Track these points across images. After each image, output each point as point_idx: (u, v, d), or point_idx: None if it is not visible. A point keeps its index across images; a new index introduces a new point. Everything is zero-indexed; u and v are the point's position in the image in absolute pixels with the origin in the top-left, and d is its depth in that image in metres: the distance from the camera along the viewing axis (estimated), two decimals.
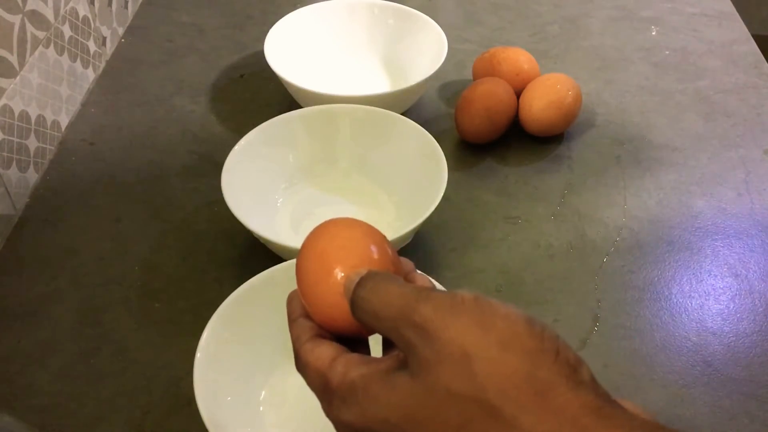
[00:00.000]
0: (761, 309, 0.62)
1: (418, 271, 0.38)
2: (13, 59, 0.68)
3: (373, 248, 0.35)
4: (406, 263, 0.37)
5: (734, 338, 0.60)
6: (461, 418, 0.27)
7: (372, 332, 0.34)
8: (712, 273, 0.65)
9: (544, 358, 0.27)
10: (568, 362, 0.27)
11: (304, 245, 0.36)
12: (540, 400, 0.26)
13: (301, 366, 0.34)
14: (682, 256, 0.67)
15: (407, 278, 0.36)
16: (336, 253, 0.34)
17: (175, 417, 0.54)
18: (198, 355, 0.50)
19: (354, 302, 0.32)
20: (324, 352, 0.33)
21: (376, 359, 0.32)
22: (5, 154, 0.67)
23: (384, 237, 0.36)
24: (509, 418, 0.26)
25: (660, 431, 0.26)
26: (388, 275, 0.32)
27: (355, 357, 0.32)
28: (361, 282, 0.32)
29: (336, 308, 0.33)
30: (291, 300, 0.37)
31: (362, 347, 0.36)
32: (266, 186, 0.69)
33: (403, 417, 0.28)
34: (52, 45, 0.76)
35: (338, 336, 0.35)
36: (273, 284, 0.54)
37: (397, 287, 0.31)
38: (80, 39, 0.82)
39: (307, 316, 0.35)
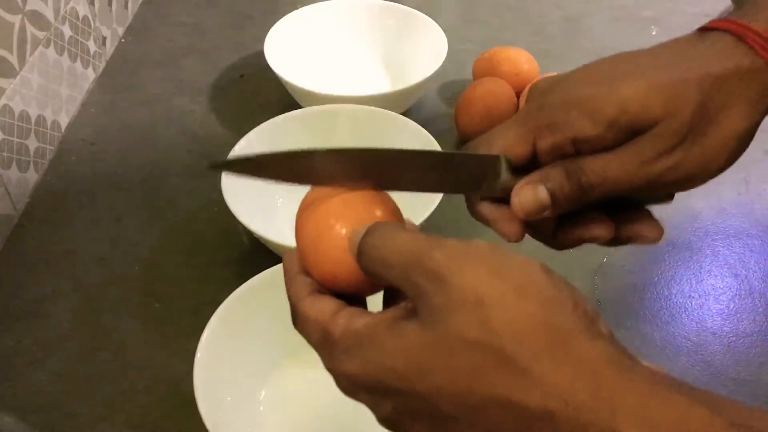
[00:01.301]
0: (761, 309, 0.62)
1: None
2: (13, 59, 0.68)
3: (377, 204, 0.34)
4: (410, 223, 0.37)
5: (734, 338, 0.60)
6: (472, 365, 0.26)
7: (374, 288, 0.33)
8: (712, 273, 0.65)
9: (561, 307, 0.26)
10: (586, 313, 0.27)
11: (304, 202, 0.35)
12: (556, 349, 0.25)
13: (300, 321, 0.33)
14: (682, 256, 0.66)
15: None
16: (338, 209, 0.33)
17: (175, 417, 0.54)
18: (198, 355, 0.50)
19: (361, 250, 0.30)
20: (325, 305, 0.32)
21: (380, 312, 0.31)
22: (5, 154, 0.67)
23: (388, 195, 0.35)
24: (523, 366, 0.25)
25: (680, 386, 0.25)
26: (396, 225, 0.32)
27: (357, 310, 0.31)
28: (370, 231, 0.31)
29: (338, 264, 0.32)
30: (288, 257, 0.36)
31: (361, 306, 0.35)
32: (266, 186, 0.68)
33: (411, 364, 0.27)
34: (52, 45, 0.76)
35: (338, 294, 0.34)
36: (273, 284, 0.54)
37: (407, 234, 0.30)
38: (80, 39, 0.82)
39: (306, 273, 0.34)
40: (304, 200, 0.36)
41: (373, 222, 0.32)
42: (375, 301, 0.34)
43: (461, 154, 0.37)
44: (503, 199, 0.37)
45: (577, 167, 0.35)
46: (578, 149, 0.35)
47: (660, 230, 0.38)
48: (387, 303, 0.34)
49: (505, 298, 0.26)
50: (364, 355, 0.29)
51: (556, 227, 0.38)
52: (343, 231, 0.32)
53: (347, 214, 0.33)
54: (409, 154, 0.35)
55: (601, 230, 0.37)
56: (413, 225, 0.37)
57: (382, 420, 0.30)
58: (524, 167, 0.36)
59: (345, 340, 0.30)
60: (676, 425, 0.24)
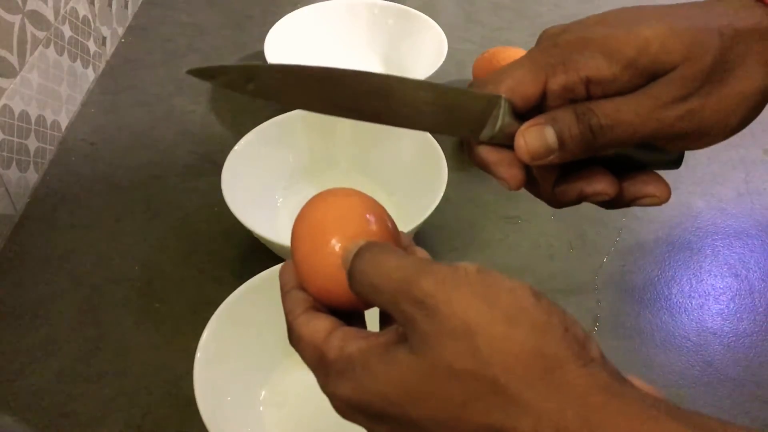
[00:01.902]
0: (761, 309, 0.62)
1: (417, 246, 0.37)
2: (13, 59, 0.68)
3: (372, 218, 0.33)
4: (405, 236, 0.36)
5: (734, 338, 0.60)
6: (465, 395, 0.26)
7: (369, 306, 0.33)
8: (712, 273, 0.65)
9: (551, 333, 0.26)
10: (577, 338, 0.26)
11: (300, 215, 0.35)
12: (547, 377, 0.25)
13: (295, 339, 0.32)
14: (682, 256, 0.67)
15: (406, 251, 0.35)
16: (333, 223, 0.33)
17: (175, 417, 0.54)
18: (198, 355, 0.50)
19: (351, 274, 0.30)
20: (319, 324, 0.32)
21: (374, 333, 0.31)
22: (5, 154, 0.67)
23: (383, 208, 0.35)
24: (515, 395, 0.25)
25: (672, 411, 0.25)
26: (386, 246, 0.31)
27: (351, 331, 0.31)
28: (359, 253, 0.30)
29: (332, 280, 0.32)
30: (284, 271, 0.35)
31: (358, 322, 0.35)
32: (266, 186, 0.69)
33: (403, 393, 0.27)
34: (52, 45, 0.76)
35: (334, 309, 0.33)
36: (273, 284, 0.53)
37: (396, 259, 0.29)
38: (80, 39, 0.82)
39: (302, 287, 0.34)
40: (300, 212, 0.35)
41: (365, 242, 0.31)
42: (372, 314, 0.34)
43: (461, 90, 0.35)
44: (504, 146, 0.36)
45: (588, 109, 0.34)
46: (590, 93, 0.34)
47: (667, 189, 0.37)
48: (383, 318, 0.34)
49: (494, 326, 0.26)
50: (357, 380, 0.29)
51: (556, 181, 0.37)
52: (337, 247, 0.32)
53: (342, 229, 0.33)
54: (405, 83, 0.34)
55: (605, 185, 0.36)
56: (408, 238, 0.37)
57: None
58: (529, 114, 0.35)
59: (339, 363, 0.30)
60: None
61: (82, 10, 0.83)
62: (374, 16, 0.87)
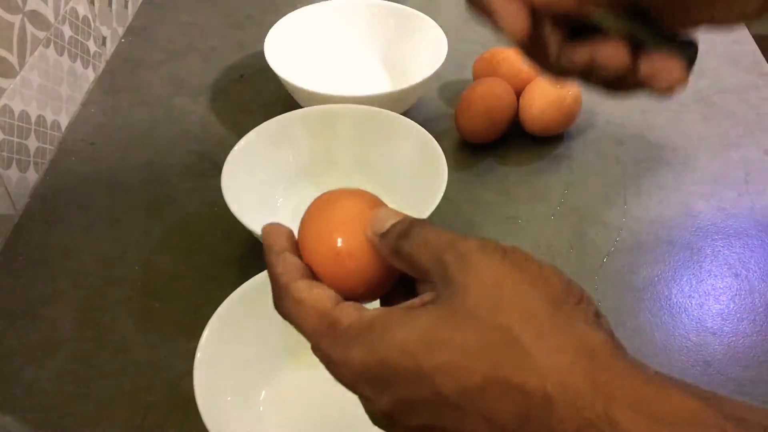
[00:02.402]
0: (761, 309, 0.62)
1: None
2: (13, 59, 0.68)
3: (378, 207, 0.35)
4: None
5: (734, 338, 0.60)
6: (479, 341, 0.27)
7: (376, 291, 0.34)
8: (712, 273, 0.65)
9: (568, 299, 0.28)
10: (590, 308, 0.28)
11: (309, 211, 0.36)
12: (558, 332, 0.26)
13: (291, 301, 0.32)
14: (682, 256, 0.67)
15: None
16: (343, 218, 0.34)
17: (175, 417, 0.54)
18: (198, 355, 0.50)
19: (407, 232, 0.32)
20: (324, 293, 0.32)
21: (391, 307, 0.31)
22: (5, 154, 0.67)
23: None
24: (526, 347, 0.26)
25: (673, 379, 0.26)
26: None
27: (360, 305, 0.32)
28: (416, 220, 0.32)
29: (343, 268, 0.33)
30: (273, 232, 0.35)
31: None
32: (266, 186, 0.69)
33: (420, 340, 0.28)
34: (52, 45, 0.76)
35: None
36: None
37: (444, 229, 0.31)
38: (80, 39, 0.82)
39: (294, 253, 0.34)
40: (309, 208, 0.36)
41: (407, 217, 0.33)
42: None
43: None
44: None
45: None
46: None
47: (684, 72, 0.33)
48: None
49: (519, 285, 0.28)
50: (374, 341, 0.29)
51: (563, 44, 0.34)
52: (340, 240, 0.33)
53: (352, 224, 0.34)
54: None
55: (619, 51, 0.33)
56: None
57: (380, 416, 0.30)
58: None
59: (354, 328, 0.30)
60: (671, 414, 0.24)
61: (82, 10, 0.83)
62: (374, 16, 0.87)
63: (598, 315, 0.28)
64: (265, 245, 0.35)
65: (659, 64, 0.33)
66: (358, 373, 0.29)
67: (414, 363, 0.28)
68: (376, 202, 0.36)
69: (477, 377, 0.26)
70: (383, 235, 0.33)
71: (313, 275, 0.34)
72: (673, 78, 0.33)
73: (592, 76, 0.34)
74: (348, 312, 0.31)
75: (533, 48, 0.35)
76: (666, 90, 0.33)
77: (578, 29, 0.33)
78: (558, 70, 0.35)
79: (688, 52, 0.33)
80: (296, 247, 0.35)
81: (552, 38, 0.34)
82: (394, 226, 0.32)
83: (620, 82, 0.34)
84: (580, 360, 0.26)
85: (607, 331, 0.27)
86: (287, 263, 0.33)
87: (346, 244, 0.33)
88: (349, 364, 0.30)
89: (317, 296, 0.32)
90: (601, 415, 0.25)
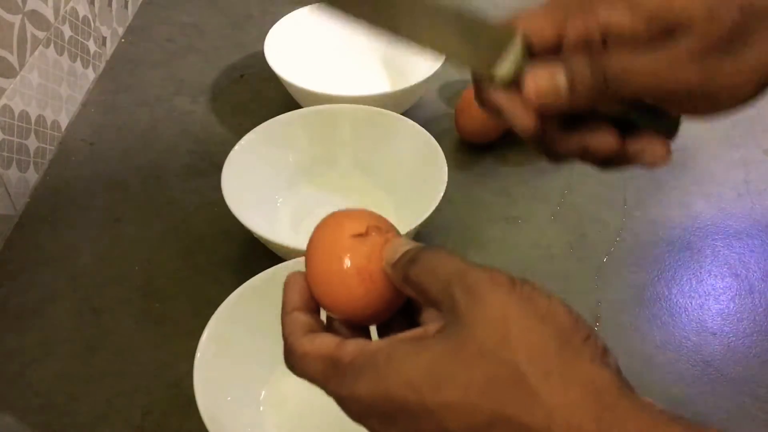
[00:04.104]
0: (761, 309, 0.62)
1: None
2: (13, 59, 0.68)
3: (389, 230, 0.35)
4: None
5: (734, 338, 0.60)
6: (486, 378, 0.27)
7: (381, 315, 0.34)
8: (712, 273, 0.65)
9: (576, 336, 0.28)
10: (597, 346, 0.28)
11: (316, 233, 0.36)
12: (565, 371, 0.26)
13: (297, 357, 0.33)
14: (682, 256, 0.66)
15: None
16: (351, 238, 0.34)
17: (175, 417, 0.54)
18: (198, 355, 0.50)
19: (416, 259, 0.32)
20: (326, 339, 0.32)
21: (394, 335, 0.31)
22: (5, 154, 0.67)
23: (394, 227, 0.36)
24: (533, 385, 0.26)
25: (678, 418, 0.26)
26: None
27: (362, 338, 0.32)
28: (425, 248, 0.32)
29: (350, 293, 0.34)
30: (289, 288, 0.36)
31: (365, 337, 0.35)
32: (266, 186, 0.69)
33: (426, 376, 0.28)
34: (52, 45, 0.76)
35: (346, 323, 0.35)
36: (273, 284, 0.53)
37: (458, 257, 0.31)
38: (80, 39, 0.82)
39: (303, 309, 0.35)
40: (315, 230, 0.36)
41: (421, 245, 0.33)
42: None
43: (480, 17, 0.35)
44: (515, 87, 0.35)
45: (602, 58, 0.33)
46: (607, 43, 0.34)
47: (667, 149, 0.36)
48: (381, 334, 0.35)
49: (527, 321, 0.28)
50: (380, 373, 0.29)
51: (559, 131, 0.37)
52: (350, 263, 0.34)
53: (360, 244, 0.34)
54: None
55: (608, 138, 0.36)
56: None
57: None
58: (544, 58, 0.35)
59: (358, 361, 0.30)
60: None
61: (82, 10, 0.83)
62: None
63: (605, 352, 0.28)
64: (282, 301, 0.36)
65: (645, 144, 0.36)
66: (366, 406, 0.30)
67: (419, 399, 0.28)
68: (381, 222, 0.36)
69: (483, 415, 0.26)
70: (394, 264, 0.33)
71: (317, 324, 0.34)
72: (657, 156, 0.36)
73: (587, 158, 0.37)
74: (350, 349, 0.31)
75: (538, 138, 0.37)
76: (652, 165, 0.37)
77: (573, 117, 0.36)
78: (553, 154, 0.38)
79: (673, 125, 0.37)
80: (307, 296, 0.35)
81: (552, 130, 0.36)
82: (405, 253, 0.32)
83: (611, 161, 0.37)
84: (585, 399, 0.26)
85: (613, 369, 0.27)
86: (295, 323, 0.34)
87: (351, 268, 0.34)
88: (356, 398, 0.30)
89: (319, 344, 0.32)
90: None
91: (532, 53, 0.35)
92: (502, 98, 0.36)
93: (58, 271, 0.65)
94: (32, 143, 0.72)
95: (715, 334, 0.60)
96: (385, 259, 0.33)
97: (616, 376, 0.27)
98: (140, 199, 0.72)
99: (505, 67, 0.35)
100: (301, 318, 0.34)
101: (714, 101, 0.34)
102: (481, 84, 0.37)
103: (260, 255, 0.63)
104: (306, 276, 0.36)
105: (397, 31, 0.35)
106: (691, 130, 0.80)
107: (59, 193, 0.73)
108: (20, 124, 0.70)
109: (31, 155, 0.72)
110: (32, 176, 0.73)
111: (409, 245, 0.33)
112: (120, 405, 0.55)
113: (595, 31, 0.34)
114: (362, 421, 0.30)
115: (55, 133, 0.77)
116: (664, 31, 0.33)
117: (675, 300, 0.63)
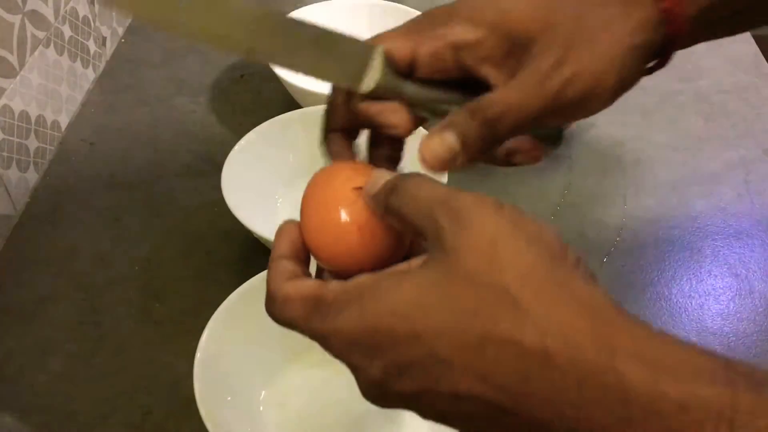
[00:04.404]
0: (761, 309, 0.62)
1: None
2: (13, 59, 0.68)
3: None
4: None
5: (734, 338, 0.60)
6: (475, 302, 0.26)
7: (375, 263, 0.33)
8: (712, 273, 0.65)
9: (566, 258, 0.27)
10: (587, 270, 0.28)
11: (311, 184, 0.36)
12: (558, 291, 0.26)
13: (279, 303, 0.32)
14: (682, 256, 0.66)
15: None
16: (345, 189, 0.34)
17: (175, 417, 0.54)
18: (198, 355, 0.50)
19: (395, 187, 0.31)
20: (308, 282, 0.32)
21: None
22: (5, 154, 0.67)
23: None
24: (524, 305, 0.26)
25: (684, 341, 0.25)
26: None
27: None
28: (405, 175, 0.32)
29: (343, 243, 0.33)
30: (280, 236, 0.35)
31: None
32: (266, 186, 0.69)
33: (415, 303, 0.27)
34: (52, 45, 0.76)
35: (340, 274, 0.34)
36: None
37: (439, 183, 0.31)
38: (80, 39, 0.82)
39: (291, 257, 0.34)
40: (310, 182, 0.37)
41: (400, 173, 0.33)
42: None
43: (341, 34, 0.36)
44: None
45: (477, 103, 0.35)
46: (460, 60, 0.36)
47: (541, 151, 0.38)
48: None
49: (517, 243, 0.27)
50: (364, 306, 0.29)
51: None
52: (345, 213, 0.34)
53: (353, 196, 0.34)
54: (285, 20, 0.35)
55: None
56: None
57: (371, 385, 0.29)
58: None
59: (342, 297, 0.30)
60: (677, 365, 0.24)
61: (82, 10, 0.83)
62: (374, 16, 0.87)
63: (594, 277, 0.28)
64: (272, 248, 0.35)
65: (518, 144, 0.38)
66: (349, 341, 0.29)
67: (408, 326, 0.27)
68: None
69: (473, 336, 0.26)
70: (375, 195, 0.32)
71: (302, 271, 0.34)
72: (530, 157, 0.38)
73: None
74: (333, 287, 0.31)
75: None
76: (524, 163, 0.38)
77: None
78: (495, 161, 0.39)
79: (558, 135, 0.40)
80: (297, 246, 0.35)
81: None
82: (385, 183, 0.32)
83: (493, 159, 0.39)
84: (580, 316, 0.25)
85: (605, 291, 0.27)
86: (278, 269, 0.34)
87: (347, 218, 0.33)
88: (339, 333, 0.29)
89: (301, 286, 0.32)
90: (603, 367, 0.24)
91: (397, 70, 0.36)
92: (371, 107, 0.37)
93: (58, 271, 0.65)
94: (32, 143, 0.72)
95: (715, 334, 0.60)
96: (365, 190, 0.33)
97: (610, 296, 0.27)
98: (140, 199, 0.72)
99: (371, 80, 0.36)
100: (287, 265, 0.34)
101: (590, 100, 0.35)
102: (349, 97, 0.38)
103: (260, 255, 0.63)
104: (300, 226, 0.35)
105: (253, 54, 0.35)
106: (691, 129, 0.80)
107: (59, 193, 0.73)
108: (20, 124, 0.70)
109: (31, 155, 0.72)
110: (32, 176, 0.73)
111: (390, 175, 0.33)
112: (120, 405, 0.55)
113: (445, 50, 0.36)
114: (344, 356, 0.30)
115: (55, 133, 0.77)
116: (509, 42, 0.35)
117: (675, 300, 0.63)
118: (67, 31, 0.79)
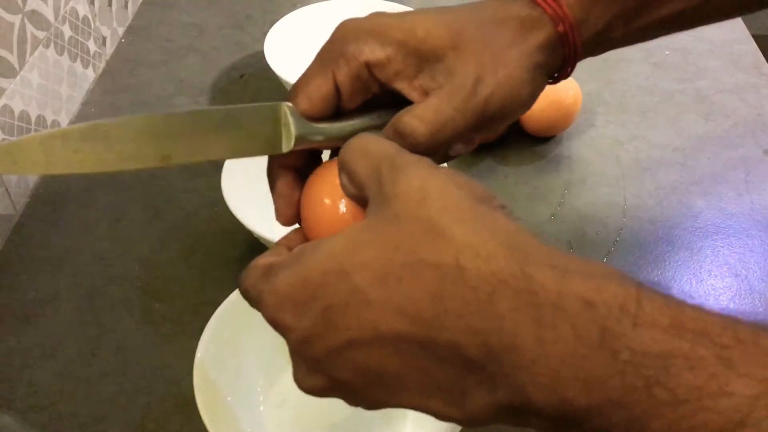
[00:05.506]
0: (761, 309, 0.62)
1: None
2: (13, 59, 0.68)
3: None
4: None
5: None
6: (399, 236, 0.27)
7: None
8: (712, 273, 0.65)
9: (491, 201, 0.29)
10: (511, 215, 0.29)
11: (308, 182, 0.37)
12: (479, 219, 0.27)
13: (243, 275, 0.34)
14: (682, 256, 0.66)
15: None
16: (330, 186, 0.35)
17: (175, 417, 0.54)
18: (198, 355, 0.50)
19: (351, 141, 0.32)
20: (270, 255, 0.33)
21: None
22: None
23: None
24: (444, 230, 0.27)
25: (589, 262, 0.26)
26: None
27: None
28: (360, 134, 0.34)
29: (330, 228, 0.34)
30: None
31: None
32: (266, 185, 0.68)
33: (345, 245, 0.28)
34: (52, 45, 0.76)
35: None
36: None
37: (392, 142, 0.32)
38: (80, 39, 0.82)
39: (281, 245, 0.36)
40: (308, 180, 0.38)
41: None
42: None
43: (243, 106, 0.36)
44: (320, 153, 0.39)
45: (399, 119, 0.36)
46: (377, 77, 0.36)
47: (472, 143, 0.40)
48: None
49: (445, 186, 0.28)
50: (300, 261, 0.29)
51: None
52: (333, 202, 0.35)
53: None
54: (183, 116, 0.35)
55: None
56: None
57: (298, 346, 0.30)
58: (342, 112, 0.37)
59: (287, 258, 0.31)
60: (588, 269, 0.25)
61: (82, 10, 0.83)
62: None
63: (517, 222, 0.29)
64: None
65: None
66: (281, 298, 0.30)
67: (336, 264, 0.28)
68: None
69: (395, 266, 0.27)
70: (339, 158, 0.33)
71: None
72: (458, 150, 0.39)
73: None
74: (285, 254, 0.32)
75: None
76: (462, 153, 0.39)
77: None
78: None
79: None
80: (289, 237, 0.37)
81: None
82: (347, 143, 0.33)
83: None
84: (495, 235, 0.26)
85: (526, 229, 0.28)
86: (258, 258, 0.35)
87: (344, 209, 0.34)
88: (273, 292, 0.30)
89: (262, 256, 0.33)
90: (515, 274, 0.25)
91: (316, 117, 0.37)
92: (283, 187, 0.39)
93: (58, 271, 0.65)
94: None
95: None
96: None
97: (528, 232, 0.27)
98: (140, 199, 0.72)
99: (289, 140, 0.37)
100: (274, 249, 0.35)
101: (512, 111, 0.37)
102: (272, 164, 0.39)
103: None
104: (300, 224, 0.36)
105: (169, 160, 0.35)
106: (691, 129, 0.80)
107: (59, 193, 0.73)
108: (20, 124, 0.70)
109: None
110: (32, 176, 0.73)
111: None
112: (120, 405, 0.55)
113: (361, 70, 0.36)
114: (277, 318, 0.30)
115: None
116: (418, 59, 0.36)
117: None
118: (67, 31, 0.79)
